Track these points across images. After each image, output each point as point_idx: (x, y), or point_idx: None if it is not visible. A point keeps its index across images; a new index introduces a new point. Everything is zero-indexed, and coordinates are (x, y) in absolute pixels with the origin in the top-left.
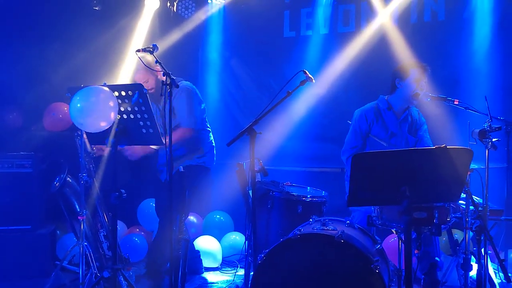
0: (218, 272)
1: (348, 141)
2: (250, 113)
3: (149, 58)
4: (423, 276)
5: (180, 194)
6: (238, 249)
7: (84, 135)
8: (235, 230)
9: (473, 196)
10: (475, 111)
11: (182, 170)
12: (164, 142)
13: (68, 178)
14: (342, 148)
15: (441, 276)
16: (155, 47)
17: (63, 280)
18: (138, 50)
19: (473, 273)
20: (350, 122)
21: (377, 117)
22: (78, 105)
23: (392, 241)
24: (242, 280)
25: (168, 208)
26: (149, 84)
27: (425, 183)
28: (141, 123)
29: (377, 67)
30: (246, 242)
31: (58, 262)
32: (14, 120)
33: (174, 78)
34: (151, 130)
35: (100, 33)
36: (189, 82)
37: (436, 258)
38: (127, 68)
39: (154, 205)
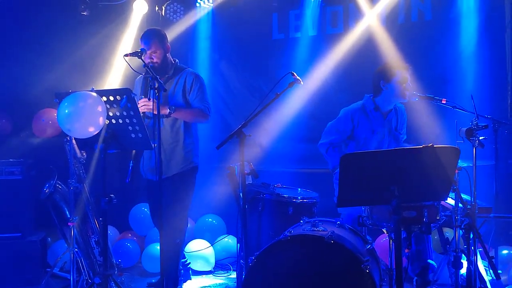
0: (211, 275)
1: (326, 135)
2: (240, 115)
3: (164, 35)
4: (415, 277)
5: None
6: (231, 252)
7: (73, 141)
8: (227, 233)
9: (462, 194)
10: (462, 109)
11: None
12: (153, 147)
13: (58, 184)
14: (319, 142)
15: (432, 276)
16: (143, 51)
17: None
18: (126, 55)
19: (464, 270)
20: None
21: (363, 118)
22: (66, 111)
23: (384, 241)
24: (235, 283)
25: (165, 208)
26: (157, 55)
27: (414, 182)
28: (130, 127)
29: (366, 68)
30: (239, 244)
31: (49, 269)
32: (3, 127)
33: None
34: (140, 135)
35: (88, 38)
36: None
37: (429, 261)
38: (116, 73)
39: (146, 209)
